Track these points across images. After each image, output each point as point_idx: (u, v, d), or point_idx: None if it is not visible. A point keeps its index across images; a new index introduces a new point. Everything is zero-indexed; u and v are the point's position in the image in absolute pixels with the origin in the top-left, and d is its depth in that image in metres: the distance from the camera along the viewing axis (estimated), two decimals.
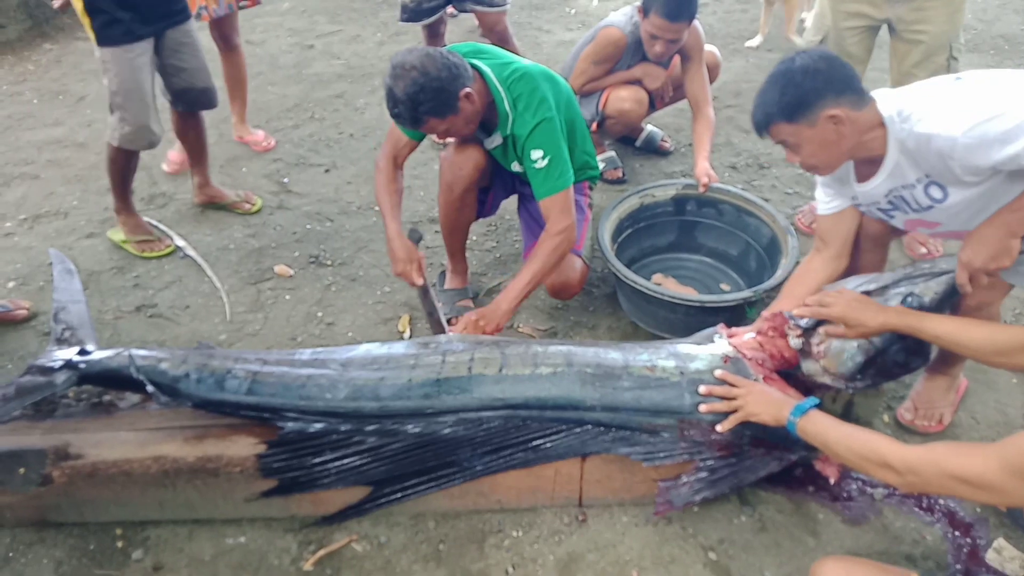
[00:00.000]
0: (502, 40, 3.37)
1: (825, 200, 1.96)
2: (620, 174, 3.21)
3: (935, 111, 1.59)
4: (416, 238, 2.18)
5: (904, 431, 2.02)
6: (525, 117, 2.06)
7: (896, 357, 1.77)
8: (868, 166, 1.75)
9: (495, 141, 2.18)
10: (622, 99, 2.95)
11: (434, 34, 3.53)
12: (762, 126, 1.69)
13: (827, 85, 1.61)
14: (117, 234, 2.81)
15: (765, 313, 1.94)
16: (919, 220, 1.84)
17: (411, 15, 3.40)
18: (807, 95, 1.61)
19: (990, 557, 1.68)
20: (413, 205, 3.10)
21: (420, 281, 2.13)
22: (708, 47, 3.04)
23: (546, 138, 2.06)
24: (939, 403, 2.03)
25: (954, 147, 1.54)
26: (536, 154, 2.06)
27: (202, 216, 3.04)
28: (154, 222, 2.93)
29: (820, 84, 1.61)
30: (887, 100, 1.67)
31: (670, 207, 2.62)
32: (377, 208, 3.08)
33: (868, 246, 2.10)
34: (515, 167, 2.25)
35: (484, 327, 2.02)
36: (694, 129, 2.85)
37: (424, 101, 1.90)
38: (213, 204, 3.06)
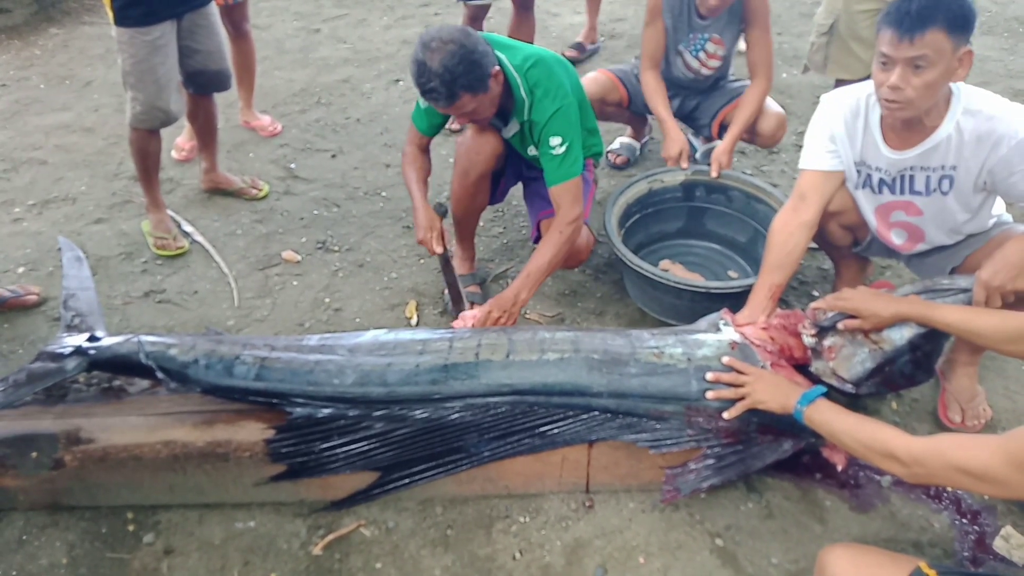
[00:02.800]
0: (525, 7, 3.38)
1: (820, 153, 1.93)
2: (626, 160, 3.19)
3: (1009, 108, 1.68)
4: (441, 212, 2.22)
5: (942, 429, 1.99)
6: (544, 103, 2.06)
7: (904, 369, 1.79)
8: (910, 135, 1.77)
9: (512, 129, 2.18)
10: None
11: (476, 18, 3.42)
12: (919, 25, 1.57)
13: (974, 22, 1.60)
14: (147, 225, 2.82)
15: (779, 311, 1.94)
16: (908, 203, 1.89)
17: None
18: (971, 19, 1.59)
19: (997, 544, 1.68)
20: None
21: (439, 249, 2.18)
22: (775, 107, 2.71)
23: (565, 125, 2.08)
24: (977, 394, 2.01)
25: (1012, 141, 1.63)
26: (555, 141, 2.08)
27: (209, 202, 3.05)
28: (177, 216, 2.91)
29: (975, 17, 1.60)
30: (956, 84, 1.72)
31: (679, 193, 2.60)
32: (384, 193, 3.10)
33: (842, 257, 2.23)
34: (531, 151, 2.25)
35: (503, 321, 2.02)
36: (741, 100, 2.66)
37: (461, 75, 1.88)
38: (220, 190, 3.06)
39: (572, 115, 2.10)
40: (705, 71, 2.74)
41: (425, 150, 2.33)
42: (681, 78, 2.79)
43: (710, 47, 2.68)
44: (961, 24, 1.58)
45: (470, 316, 2.07)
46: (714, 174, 2.52)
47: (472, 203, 2.37)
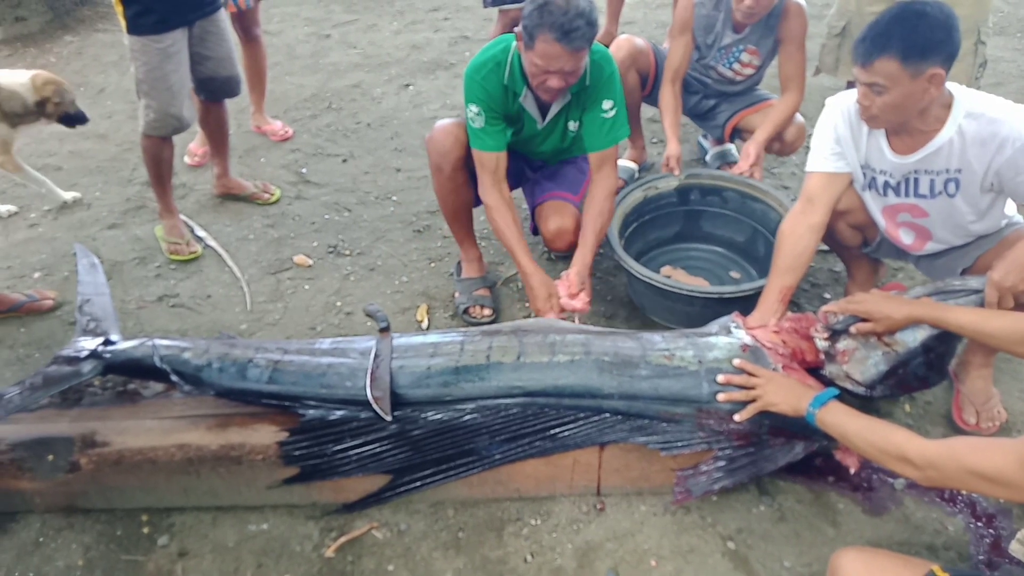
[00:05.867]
0: None
1: (827, 156, 1.94)
2: (623, 183, 3.09)
3: (1012, 110, 1.67)
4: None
5: (956, 431, 1.98)
6: (602, 65, 2.10)
7: (917, 371, 1.78)
8: (911, 140, 1.77)
9: (559, 105, 2.16)
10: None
11: (517, 21, 3.42)
12: (871, 54, 1.63)
13: (948, 44, 1.60)
14: (160, 230, 2.85)
15: (790, 314, 1.94)
16: (913, 205, 1.88)
17: None
18: (932, 45, 1.59)
19: (1013, 548, 1.67)
20: (425, 194, 3.09)
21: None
22: (797, 118, 2.70)
23: (616, 89, 2.14)
24: (992, 396, 2.00)
25: (1018, 143, 1.63)
26: (607, 104, 2.13)
27: (222, 207, 3.07)
28: (190, 221, 2.94)
29: (944, 39, 1.60)
30: (958, 88, 1.72)
31: (674, 198, 2.58)
32: (395, 198, 3.12)
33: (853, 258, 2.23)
34: (572, 126, 2.25)
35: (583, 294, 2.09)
36: (769, 111, 2.67)
37: (595, 22, 1.88)
38: (232, 195, 3.09)
39: (620, 80, 2.15)
40: (739, 79, 2.75)
41: (504, 181, 2.19)
42: (710, 82, 2.79)
43: (745, 57, 2.67)
44: (918, 52, 1.58)
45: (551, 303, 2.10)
46: (736, 171, 2.49)
47: (456, 199, 2.36)
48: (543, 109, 2.19)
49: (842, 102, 1.90)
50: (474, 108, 2.11)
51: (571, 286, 2.10)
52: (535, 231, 2.54)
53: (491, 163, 2.16)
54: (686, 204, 2.60)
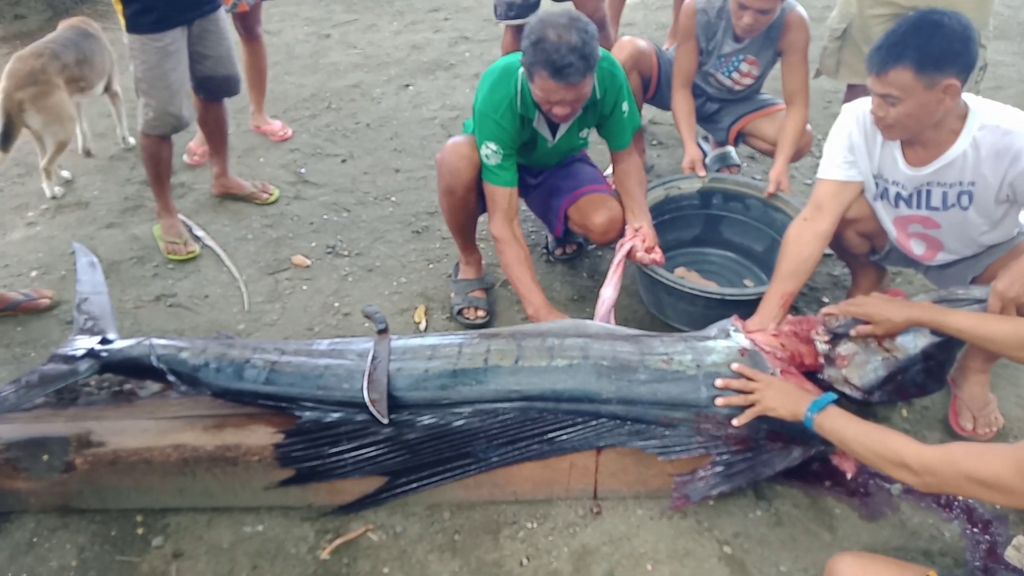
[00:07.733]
0: (601, 27, 3.38)
1: (839, 163, 1.92)
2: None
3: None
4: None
5: (954, 437, 1.98)
6: (615, 72, 2.17)
7: (916, 378, 1.78)
8: (925, 152, 1.76)
9: (570, 123, 2.19)
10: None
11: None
12: (886, 63, 1.61)
13: (965, 55, 1.60)
14: (158, 229, 2.84)
15: (790, 317, 1.93)
16: (925, 217, 1.87)
17: (519, 11, 3.17)
18: (947, 55, 1.58)
19: (1009, 554, 1.67)
20: (424, 195, 3.09)
21: None
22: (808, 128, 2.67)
23: (627, 90, 2.25)
24: (989, 402, 2.00)
25: None
26: (625, 106, 2.24)
27: (220, 206, 3.07)
28: (188, 221, 2.93)
29: (961, 50, 1.59)
30: (974, 99, 1.71)
31: (696, 200, 2.57)
32: (393, 198, 3.11)
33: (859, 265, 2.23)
34: (583, 134, 2.31)
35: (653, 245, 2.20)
36: (784, 126, 2.63)
37: (591, 54, 1.90)
38: (230, 195, 3.08)
39: (627, 78, 2.27)
40: (737, 88, 2.74)
41: (516, 215, 2.21)
42: (711, 90, 2.79)
43: (744, 67, 2.67)
44: (932, 63, 1.58)
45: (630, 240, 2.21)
46: (766, 194, 2.46)
47: (465, 214, 2.37)
48: (553, 129, 2.22)
49: (858, 109, 1.88)
50: (492, 146, 2.13)
51: (648, 238, 2.19)
52: (565, 233, 2.51)
53: (504, 199, 2.19)
54: (707, 208, 2.59)
